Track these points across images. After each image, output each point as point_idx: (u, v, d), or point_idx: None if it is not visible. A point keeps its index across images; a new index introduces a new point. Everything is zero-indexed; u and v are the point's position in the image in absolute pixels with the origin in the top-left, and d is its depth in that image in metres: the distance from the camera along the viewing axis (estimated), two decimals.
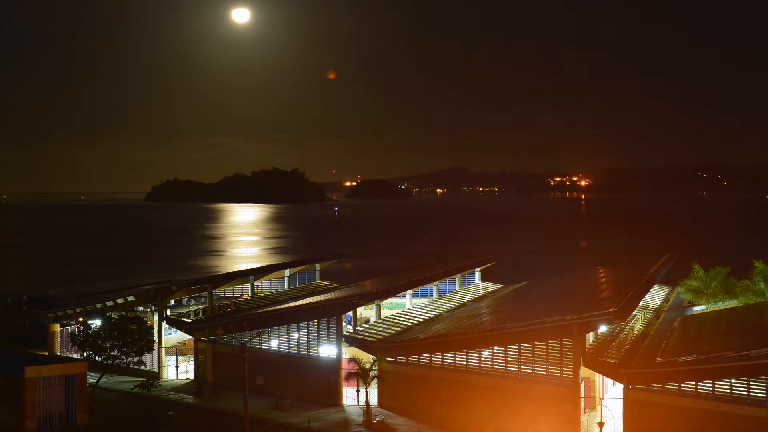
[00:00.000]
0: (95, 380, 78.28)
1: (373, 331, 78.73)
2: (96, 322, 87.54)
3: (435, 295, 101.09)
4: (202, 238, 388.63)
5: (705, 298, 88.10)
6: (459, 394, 68.08)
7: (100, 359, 78.93)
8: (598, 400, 66.41)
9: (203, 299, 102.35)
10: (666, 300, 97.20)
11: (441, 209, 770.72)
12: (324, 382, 76.77)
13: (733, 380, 55.22)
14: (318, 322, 78.24)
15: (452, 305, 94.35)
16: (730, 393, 55.13)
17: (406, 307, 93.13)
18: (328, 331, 77.63)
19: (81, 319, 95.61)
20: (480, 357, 68.02)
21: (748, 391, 54.52)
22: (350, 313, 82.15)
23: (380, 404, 72.76)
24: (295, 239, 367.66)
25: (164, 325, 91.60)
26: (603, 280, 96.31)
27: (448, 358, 69.79)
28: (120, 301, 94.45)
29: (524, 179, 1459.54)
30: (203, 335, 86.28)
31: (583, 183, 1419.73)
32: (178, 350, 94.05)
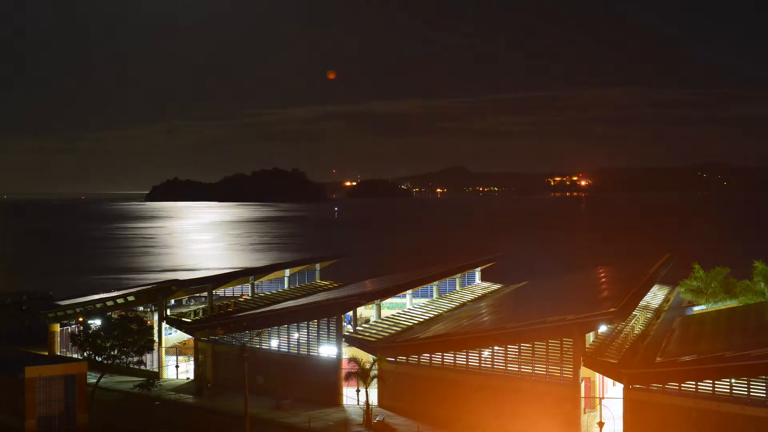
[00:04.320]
0: (95, 380, 78.29)
1: (373, 331, 78.72)
2: (96, 322, 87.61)
3: (435, 295, 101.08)
4: (201, 238, 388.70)
5: (705, 298, 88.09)
6: (459, 394, 68.08)
7: (100, 359, 78.92)
8: (598, 400, 66.40)
9: (203, 299, 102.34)
10: (666, 300, 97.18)
11: (441, 209, 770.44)
12: (324, 382, 76.75)
13: (733, 380, 55.21)
14: (318, 322, 78.23)
15: (452, 305, 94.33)
16: (730, 393, 55.11)
17: (406, 307, 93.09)
18: (328, 331, 77.62)
19: (81, 319, 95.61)
20: (480, 357, 68.01)
21: (748, 391, 54.47)
22: (350, 313, 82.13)
23: (380, 404, 72.73)
24: (295, 239, 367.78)
25: (164, 325, 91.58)
26: (603, 280, 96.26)
27: (448, 358, 69.76)
28: (120, 301, 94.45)
29: (524, 179, 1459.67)
30: (203, 335, 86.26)
31: (583, 183, 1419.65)
32: (178, 350, 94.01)
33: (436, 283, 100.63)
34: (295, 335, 79.96)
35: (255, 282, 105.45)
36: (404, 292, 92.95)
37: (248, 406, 63.76)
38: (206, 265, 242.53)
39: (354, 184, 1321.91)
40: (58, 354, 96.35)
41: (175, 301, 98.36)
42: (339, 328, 77.04)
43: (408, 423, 67.83)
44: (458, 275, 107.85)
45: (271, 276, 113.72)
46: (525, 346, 65.54)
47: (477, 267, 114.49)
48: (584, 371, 63.34)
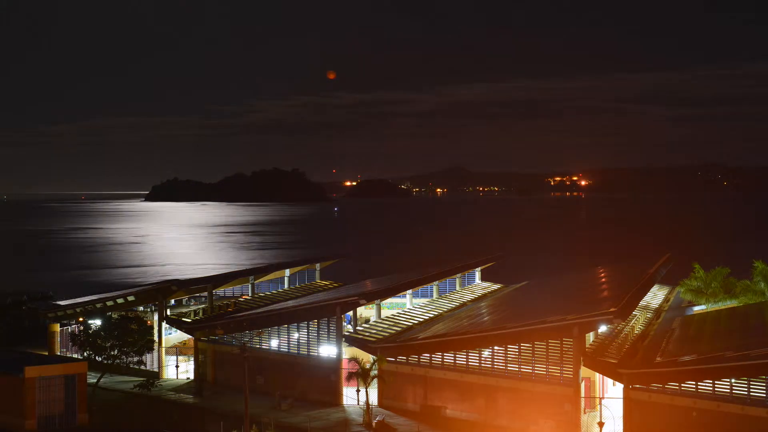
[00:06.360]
0: (95, 380, 78.27)
1: (373, 331, 78.72)
2: (96, 322, 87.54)
3: (435, 295, 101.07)
4: (200, 238, 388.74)
5: (705, 298, 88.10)
6: (459, 394, 68.05)
7: (100, 359, 78.93)
8: (598, 400, 66.41)
9: (203, 299, 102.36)
10: (666, 300, 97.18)
11: (441, 209, 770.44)
12: (324, 382, 76.79)
13: (733, 380, 55.23)
14: (318, 322, 78.24)
15: (452, 305, 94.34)
16: (730, 393, 55.14)
17: (406, 307, 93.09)
18: (328, 331, 77.62)
19: (81, 319, 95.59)
20: (480, 357, 68.02)
21: (748, 391, 54.50)
22: (350, 313, 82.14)
23: (380, 404, 72.78)
24: (295, 239, 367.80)
25: (164, 325, 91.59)
26: (603, 280, 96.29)
27: (449, 357, 69.80)
28: (120, 301, 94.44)
29: (524, 179, 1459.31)
30: (203, 335, 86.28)
31: (583, 183, 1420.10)
32: (178, 350, 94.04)
33: (436, 283, 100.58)
34: (295, 335, 79.95)
35: (255, 282, 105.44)
36: (404, 292, 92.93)
37: (248, 406, 63.74)
38: (206, 265, 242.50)
39: (354, 184, 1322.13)
40: (58, 354, 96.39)
41: (175, 301, 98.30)
42: (339, 328, 77.04)
43: (408, 423, 67.84)
44: (458, 275, 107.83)
45: (271, 276, 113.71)
46: (525, 346, 65.55)
47: (477, 267, 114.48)
48: (584, 371, 63.34)
